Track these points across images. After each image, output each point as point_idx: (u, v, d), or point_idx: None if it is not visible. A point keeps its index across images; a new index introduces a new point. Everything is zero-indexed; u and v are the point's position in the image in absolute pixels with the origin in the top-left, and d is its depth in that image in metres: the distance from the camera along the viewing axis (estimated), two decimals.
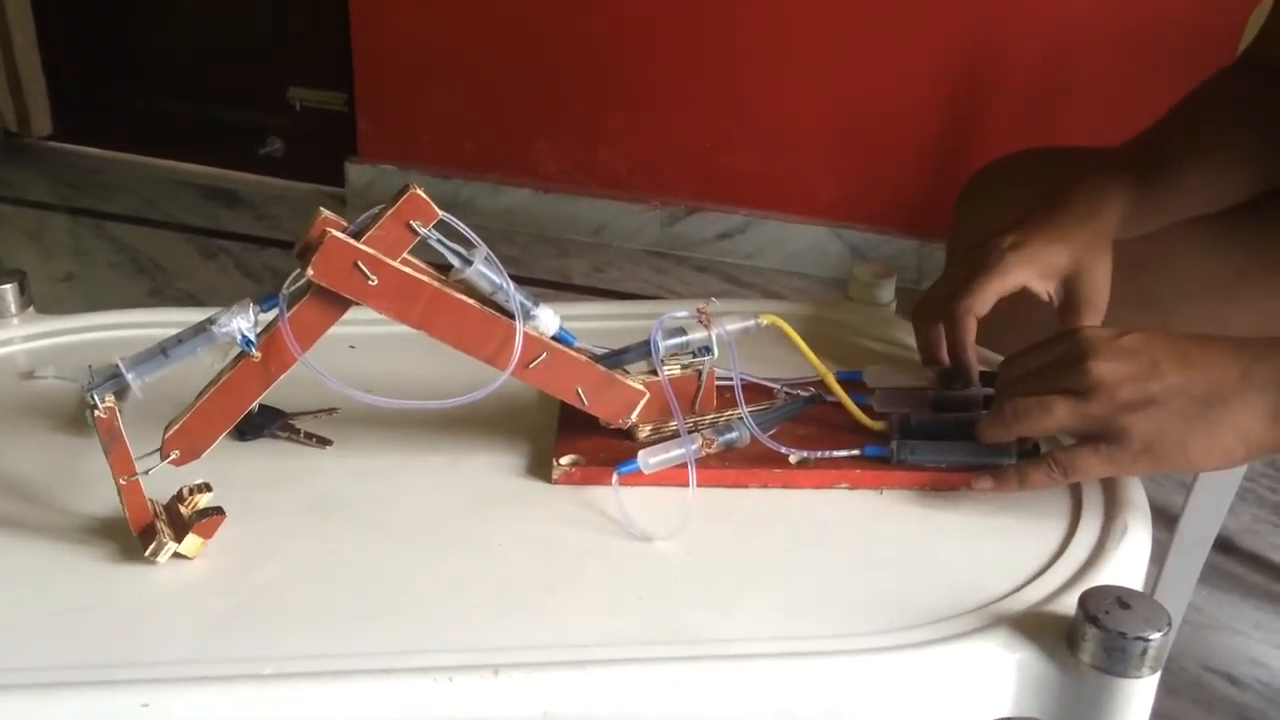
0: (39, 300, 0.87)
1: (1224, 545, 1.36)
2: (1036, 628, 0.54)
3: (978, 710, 0.55)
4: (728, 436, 0.66)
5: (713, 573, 0.60)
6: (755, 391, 0.70)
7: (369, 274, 0.57)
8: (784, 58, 2.04)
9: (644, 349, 0.66)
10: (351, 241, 0.57)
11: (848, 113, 2.05)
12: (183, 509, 0.60)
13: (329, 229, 0.57)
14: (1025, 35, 1.92)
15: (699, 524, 0.62)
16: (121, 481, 0.58)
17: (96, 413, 0.56)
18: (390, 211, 0.57)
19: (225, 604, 0.57)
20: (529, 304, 0.61)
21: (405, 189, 0.57)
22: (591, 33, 2.13)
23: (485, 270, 0.59)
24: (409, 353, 0.70)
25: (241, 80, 2.44)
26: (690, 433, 0.66)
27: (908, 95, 2.01)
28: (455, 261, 0.59)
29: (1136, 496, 0.65)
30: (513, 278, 0.60)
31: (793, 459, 0.66)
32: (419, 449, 0.70)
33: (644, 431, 0.68)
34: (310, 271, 0.57)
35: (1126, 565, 0.60)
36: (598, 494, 0.65)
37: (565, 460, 0.66)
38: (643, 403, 0.66)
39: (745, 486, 0.66)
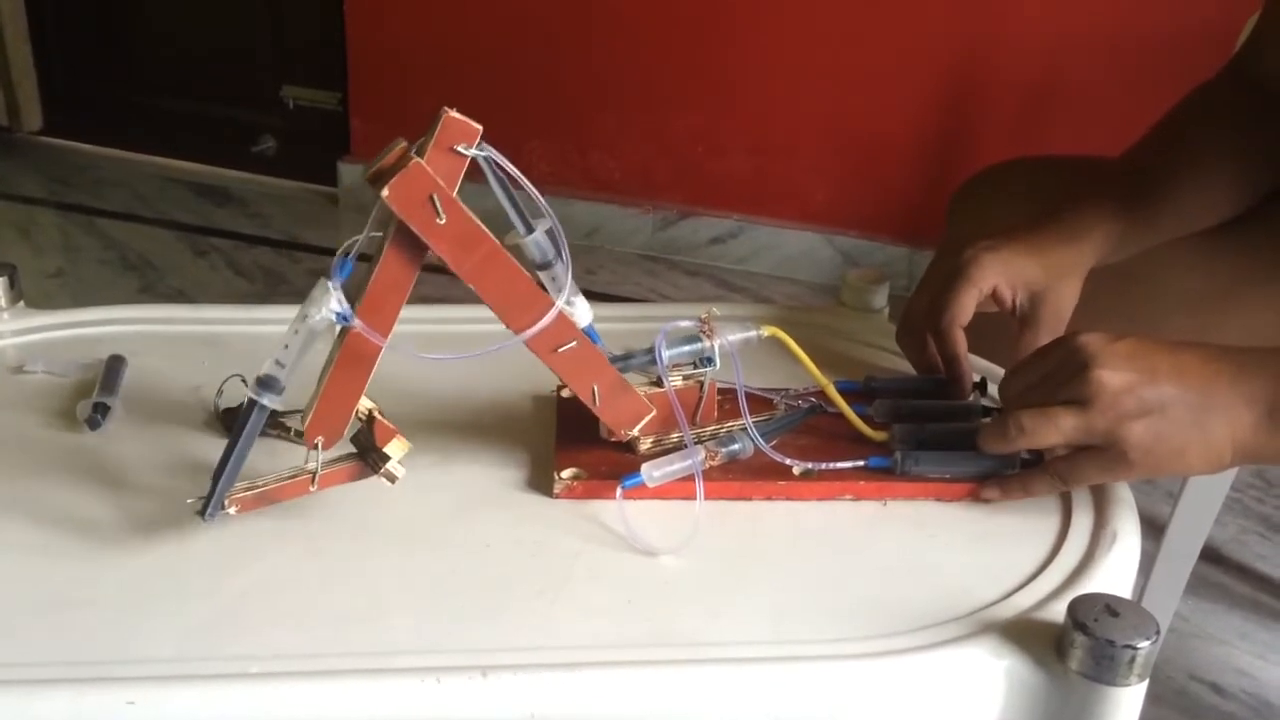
0: (28, 296, 0.87)
1: (1210, 555, 1.36)
2: (1025, 635, 0.54)
3: (965, 717, 0.55)
4: (731, 448, 0.66)
5: (702, 577, 0.60)
6: (755, 402, 0.70)
7: (440, 211, 0.56)
8: (777, 63, 2.05)
9: (647, 357, 0.65)
10: (432, 173, 0.56)
11: (841, 119, 2.06)
12: (364, 428, 0.61)
13: (413, 155, 0.56)
14: (1017, 44, 1.92)
15: (690, 530, 0.62)
16: (312, 489, 0.60)
17: (236, 497, 0.58)
18: (431, 141, 0.56)
19: (212, 603, 0.57)
20: (571, 290, 0.61)
21: (440, 114, 0.56)
22: (585, 35, 2.13)
23: (543, 241, 0.59)
24: (408, 357, 0.70)
25: (235, 78, 2.44)
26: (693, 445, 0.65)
27: (900, 102, 2.02)
28: (517, 224, 0.59)
29: (1126, 505, 0.65)
30: None
31: (796, 471, 0.66)
32: (412, 451, 0.69)
33: (645, 444, 0.67)
34: (385, 193, 0.55)
35: (1115, 573, 0.60)
36: (594, 503, 0.65)
37: (567, 474, 0.66)
38: (647, 419, 0.66)
39: (750, 499, 0.66)
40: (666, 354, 0.65)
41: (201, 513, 0.58)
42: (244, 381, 0.71)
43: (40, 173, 2.48)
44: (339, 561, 0.61)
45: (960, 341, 0.71)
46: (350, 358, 0.58)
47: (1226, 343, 0.62)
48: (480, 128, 0.56)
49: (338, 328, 0.58)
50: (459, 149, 0.56)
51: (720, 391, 0.69)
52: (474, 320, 0.80)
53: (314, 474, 0.60)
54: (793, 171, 2.12)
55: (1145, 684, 0.52)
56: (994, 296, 0.72)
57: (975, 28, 1.94)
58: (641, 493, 0.64)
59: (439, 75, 2.24)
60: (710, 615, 0.57)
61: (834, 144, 2.08)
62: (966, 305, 0.71)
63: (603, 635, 0.55)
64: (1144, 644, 0.51)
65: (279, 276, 2.09)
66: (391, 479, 0.60)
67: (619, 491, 0.63)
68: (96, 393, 0.73)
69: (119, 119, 2.55)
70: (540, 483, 0.67)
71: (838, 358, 0.81)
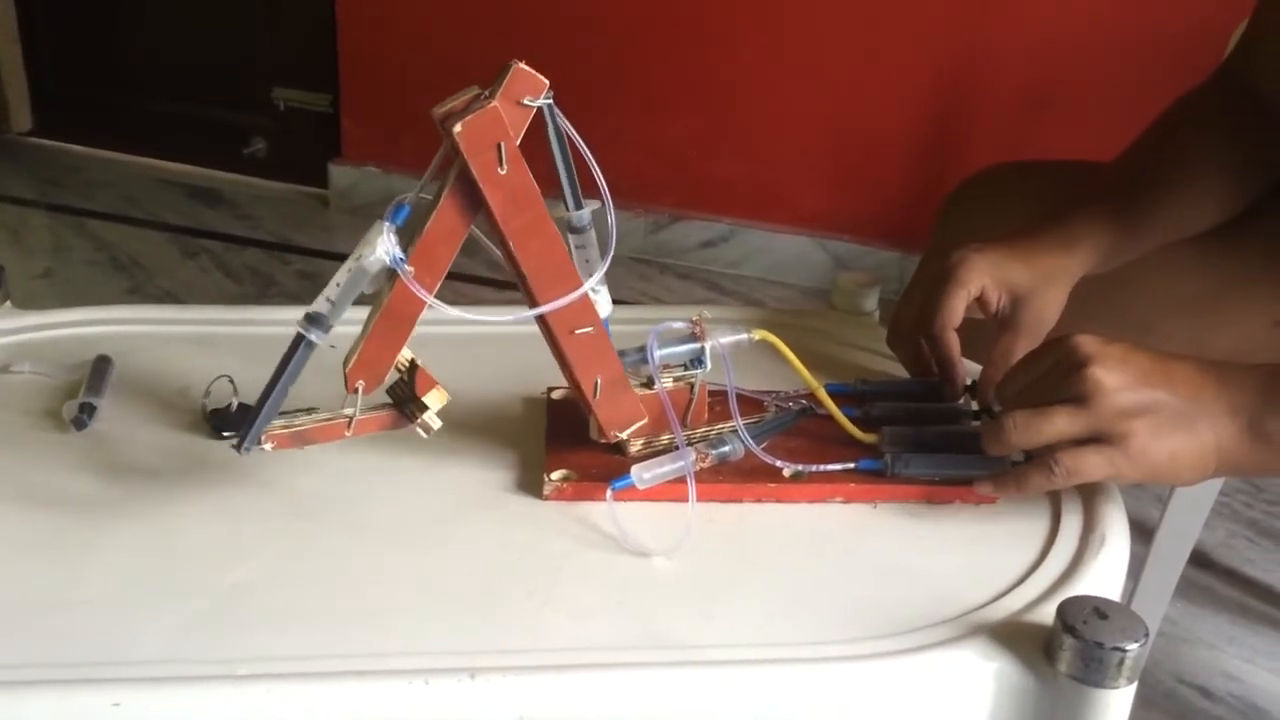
0: (16, 296, 0.86)
1: (1199, 559, 1.37)
2: (1014, 637, 0.54)
3: (954, 719, 0.55)
4: (721, 450, 0.66)
5: (693, 580, 0.60)
6: (746, 404, 0.70)
7: (504, 161, 0.57)
8: (770, 68, 2.05)
9: (639, 356, 0.65)
10: (506, 121, 0.56)
11: (833, 124, 2.06)
12: (402, 380, 0.61)
13: (490, 100, 0.56)
14: (1009, 49, 1.93)
15: (681, 532, 0.62)
16: (348, 434, 0.60)
17: (272, 434, 0.58)
18: (500, 90, 0.56)
19: (200, 604, 0.57)
20: (593, 282, 0.62)
21: (508, 66, 0.57)
22: (578, 39, 2.13)
23: (585, 220, 0.61)
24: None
25: (226, 79, 2.43)
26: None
27: (892, 107, 2.02)
28: (569, 198, 0.59)
29: (1115, 508, 0.65)
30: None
31: (787, 473, 0.66)
32: (400, 452, 0.69)
33: (635, 446, 0.67)
34: (458, 129, 0.56)
35: (1104, 576, 0.60)
36: (583, 504, 0.65)
37: (556, 475, 0.65)
38: (639, 424, 0.66)
39: (740, 501, 0.66)
40: (660, 354, 0.65)
41: (238, 446, 0.58)
42: (231, 382, 0.71)
43: (30, 174, 2.47)
44: (327, 562, 0.60)
45: (953, 345, 0.71)
46: (399, 303, 0.59)
47: (1217, 346, 0.62)
48: (547, 81, 0.57)
49: (388, 272, 0.58)
50: (525, 101, 0.57)
51: (710, 394, 0.69)
52: (464, 322, 0.80)
53: (351, 419, 0.60)
54: (785, 176, 2.12)
55: (1134, 687, 0.52)
56: (980, 299, 0.72)
57: (967, 34, 1.94)
58: (631, 494, 0.64)
59: (431, 77, 2.23)
60: (700, 617, 0.57)
61: (826, 148, 2.08)
62: (957, 308, 0.71)
63: (592, 637, 0.55)
64: (1132, 647, 0.51)
65: (269, 278, 2.08)
66: (428, 430, 0.61)
67: (609, 493, 0.63)
68: (83, 393, 0.73)
69: (109, 120, 2.54)
70: (530, 484, 0.66)
71: (828, 360, 0.81)
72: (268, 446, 0.58)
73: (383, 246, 0.57)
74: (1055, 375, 0.61)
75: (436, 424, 0.60)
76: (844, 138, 2.06)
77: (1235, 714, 1.20)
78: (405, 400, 0.61)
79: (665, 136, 2.15)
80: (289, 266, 2.13)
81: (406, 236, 0.58)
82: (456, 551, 0.61)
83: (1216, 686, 1.23)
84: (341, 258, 0.59)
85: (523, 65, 0.57)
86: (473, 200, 0.58)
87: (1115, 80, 1.86)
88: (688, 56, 2.08)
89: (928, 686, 0.54)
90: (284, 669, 0.52)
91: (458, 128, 0.56)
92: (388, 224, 0.57)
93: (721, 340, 0.67)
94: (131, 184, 2.43)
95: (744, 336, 0.68)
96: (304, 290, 2.03)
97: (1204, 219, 0.82)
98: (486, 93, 0.57)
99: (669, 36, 2.08)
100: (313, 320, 0.58)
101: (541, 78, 0.57)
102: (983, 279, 0.71)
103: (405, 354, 0.60)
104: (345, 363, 0.59)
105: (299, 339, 0.58)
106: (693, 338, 0.67)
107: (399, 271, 0.57)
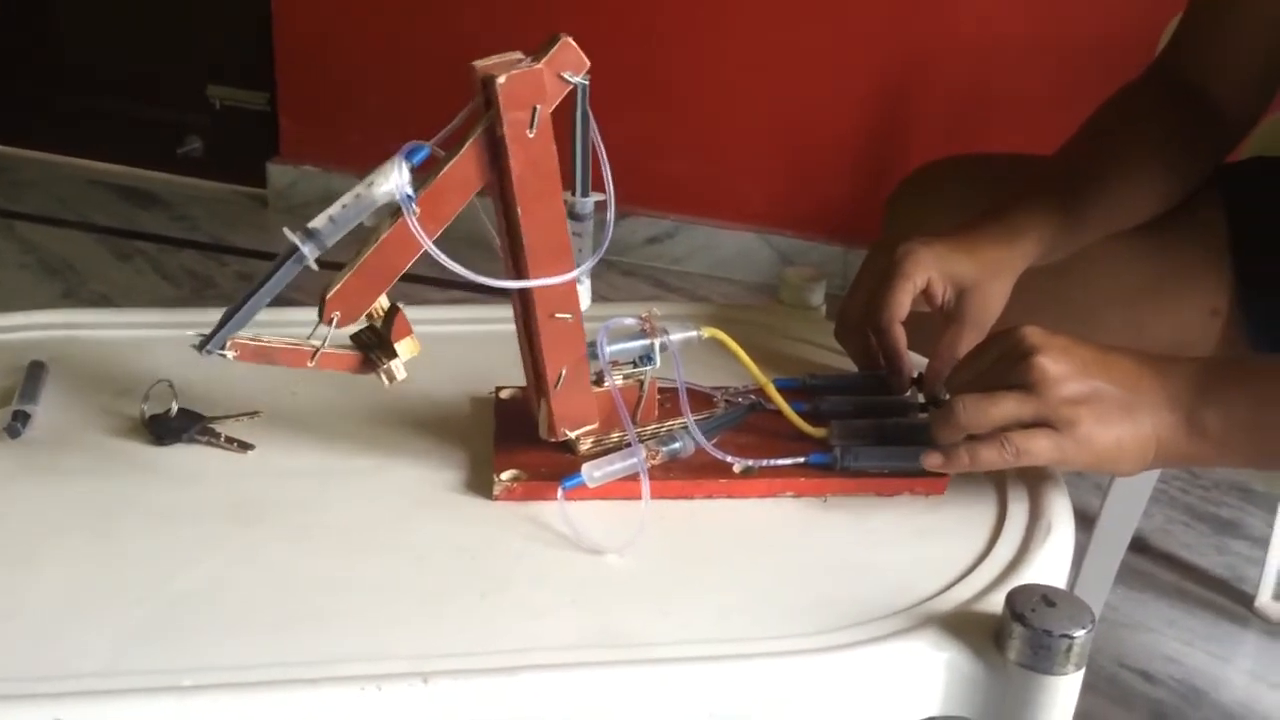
0: None
1: (1138, 545, 1.39)
2: (964, 627, 0.55)
3: (906, 709, 0.55)
4: (671, 447, 0.66)
5: (645, 577, 0.59)
6: (695, 400, 0.70)
7: (533, 124, 0.57)
8: (716, 65, 2.06)
9: (588, 352, 0.65)
10: (548, 87, 0.57)
11: (778, 121, 2.07)
12: (377, 327, 0.61)
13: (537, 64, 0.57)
14: (950, 48, 1.95)
15: (633, 529, 0.62)
16: (310, 365, 0.59)
17: (238, 342, 0.57)
18: (544, 59, 0.57)
19: (142, 613, 0.55)
20: (586, 270, 0.62)
21: (556, 38, 0.58)
22: (522, 37, 2.12)
23: (589, 208, 0.60)
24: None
25: (159, 77, 2.38)
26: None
27: (836, 105, 2.04)
28: (579, 183, 0.61)
29: (1060, 496, 0.66)
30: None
31: (737, 468, 0.66)
32: (345, 454, 0.68)
33: (585, 444, 0.67)
34: (501, 80, 0.57)
35: (1051, 564, 0.61)
36: (534, 504, 0.64)
37: (506, 475, 0.65)
38: (588, 428, 0.65)
39: (691, 497, 0.65)
40: (610, 349, 0.65)
41: (200, 347, 0.57)
42: (170, 387, 0.70)
43: None
44: (275, 568, 0.59)
45: (900, 337, 0.72)
46: (395, 242, 0.58)
47: (1157, 335, 0.63)
48: (589, 62, 0.58)
49: (391, 208, 0.58)
50: (566, 75, 0.58)
51: (659, 390, 0.69)
52: (451, 320, 0.81)
53: (316, 349, 0.59)
54: (730, 172, 2.13)
55: (1082, 672, 0.53)
56: (926, 292, 0.73)
57: (909, 33, 1.96)
58: (582, 493, 0.63)
59: (369, 74, 2.21)
60: (653, 614, 0.57)
61: (771, 146, 2.09)
62: (903, 301, 0.72)
63: (545, 637, 0.55)
64: (1080, 633, 0.52)
65: (207, 280, 2.05)
66: (391, 378, 0.60)
67: (560, 492, 0.63)
68: (16, 400, 0.71)
69: (39, 120, 2.48)
70: (480, 485, 0.66)
71: (776, 355, 0.81)
72: (230, 355, 0.57)
73: (395, 179, 0.56)
74: (1002, 365, 0.62)
75: (401, 374, 0.60)
76: (788, 135, 2.08)
77: (1176, 696, 1.23)
78: (371, 348, 0.60)
79: (611, 133, 2.14)
80: (227, 268, 2.10)
81: (415, 185, 0.58)
82: (406, 554, 0.61)
83: (1157, 670, 1.26)
84: None
85: (570, 40, 0.58)
86: (493, 157, 0.59)
87: (1052, 78, 1.90)
88: (634, 54, 2.08)
89: (881, 678, 0.54)
90: (231, 678, 0.51)
91: (501, 79, 0.56)
92: (401, 159, 0.56)
93: (672, 337, 0.67)
94: (61, 185, 2.37)
95: (694, 333, 0.68)
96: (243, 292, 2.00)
97: (1142, 210, 0.83)
98: (530, 58, 0.58)
99: (614, 34, 2.08)
100: (311, 235, 0.57)
101: (585, 57, 0.58)
102: (928, 272, 0.72)
103: (384, 300, 0.59)
104: (323, 294, 0.59)
105: (291, 250, 0.57)
106: (642, 334, 0.66)
107: (405, 209, 0.57)
